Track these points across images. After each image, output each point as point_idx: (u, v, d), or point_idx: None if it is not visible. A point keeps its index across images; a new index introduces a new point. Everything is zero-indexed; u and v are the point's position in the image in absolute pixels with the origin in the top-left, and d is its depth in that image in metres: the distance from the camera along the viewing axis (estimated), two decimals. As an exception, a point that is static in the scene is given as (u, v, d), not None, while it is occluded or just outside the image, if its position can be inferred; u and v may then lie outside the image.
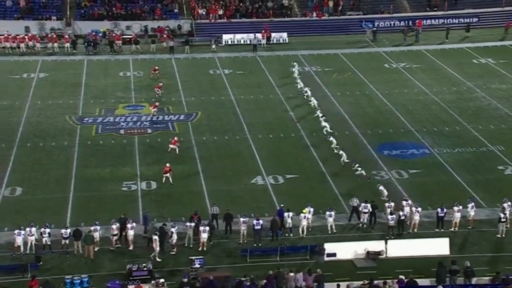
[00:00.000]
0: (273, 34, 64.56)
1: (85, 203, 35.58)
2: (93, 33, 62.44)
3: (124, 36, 62.82)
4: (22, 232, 31.00)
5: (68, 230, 31.38)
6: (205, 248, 31.49)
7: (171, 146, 41.18)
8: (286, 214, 33.13)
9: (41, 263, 30.13)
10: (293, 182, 37.99)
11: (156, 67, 54.61)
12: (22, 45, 60.21)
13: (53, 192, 36.48)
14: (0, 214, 34.21)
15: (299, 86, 51.46)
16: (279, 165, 39.73)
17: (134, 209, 34.71)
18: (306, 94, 49.81)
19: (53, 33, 62.43)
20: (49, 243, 31.14)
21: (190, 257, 30.04)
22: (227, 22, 67.40)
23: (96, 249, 31.21)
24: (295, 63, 55.42)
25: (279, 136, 43.89)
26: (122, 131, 44.26)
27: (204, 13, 68.00)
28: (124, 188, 37.03)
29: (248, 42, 63.31)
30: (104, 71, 56.05)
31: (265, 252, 31.59)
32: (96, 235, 31.41)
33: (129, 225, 31.67)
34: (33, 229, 31.18)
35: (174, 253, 31.32)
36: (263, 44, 63.51)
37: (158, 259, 30.70)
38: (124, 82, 53.13)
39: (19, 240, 30.84)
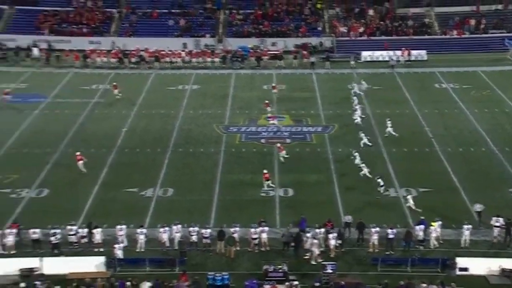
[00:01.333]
0: (412, 52, 63.26)
1: (227, 206, 36.53)
2: (240, 49, 64.33)
3: (270, 52, 63.99)
4: (167, 229, 32.37)
5: (209, 231, 32.38)
6: (332, 255, 31.36)
7: (280, 153, 41.33)
8: (417, 227, 32.33)
9: (186, 258, 31.25)
10: (426, 195, 36.97)
11: (273, 85, 54.92)
12: (179, 59, 63.03)
13: (200, 195, 37.69)
14: (154, 212, 35.88)
15: (354, 103, 49.77)
16: (413, 178, 38.79)
17: (270, 213, 35.21)
18: (355, 107, 48.47)
19: (206, 49, 65.13)
20: (195, 241, 32.27)
21: (323, 262, 30.01)
22: (367, 40, 66.87)
23: (236, 249, 31.97)
24: (354, 83, 54.43)
25: (413, 151, 42.86)
26: (263, 140, 45.05)
27: (345, 30, 67.93)
28: (263, 194, 37.62)
29: (387, 59, 62.41)
30: (249, 84, 57.33)
31: (396, 262, 30.91)
32: (236, 236, 32.18)
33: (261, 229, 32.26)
34: (179, 226, 32.44)
35: (308, 257, 31.42)
36: (402, 61, 62.36)
37: (314, 262, 30.89)
38: (267, 95, 54.04)
39: (165, 237, 32.24)
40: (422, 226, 32.15)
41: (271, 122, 47.25)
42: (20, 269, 29.63)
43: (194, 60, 63.27)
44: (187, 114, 50.05)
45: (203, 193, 37.80)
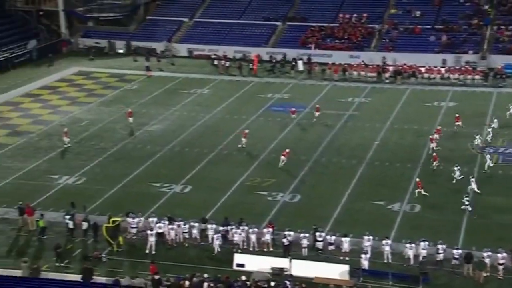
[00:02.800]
0: None
1: (476, 228, 34.70)
2: (504, 67, 60.71)
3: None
4: (413, 245, 31.70)
5: (460, 251, 31.00)
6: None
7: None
8: None
9: (428, 277, 30.28)
10: None
11: None
12: (438, 76, 61.46)
13: (447, 214, 36.31)
14: (399, 227, 35.36)
15: None
16: None
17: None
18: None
19: (468, 66, 62.58)
20: (442, 259, 31.16)
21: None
22: None
23: (486, 275, 30.20)
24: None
25: None
26: (524, 164, 42.09)
27: None
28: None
29: None
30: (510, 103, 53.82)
31: None
32: (487, 261, 30.40)
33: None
34: (425, 244, 31.56)
35: None
36: None
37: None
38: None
39: (410, 253, 31.61)
40: None
41: None
42: (272, 268, 31.18)
43: (452, 76, 61.23)
44: (442, 130, 48.56)
45: (451, 214, 36.35)
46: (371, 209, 37.22)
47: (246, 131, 46.58)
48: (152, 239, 33.15)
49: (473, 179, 38.71)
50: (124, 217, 34.60)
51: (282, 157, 42.84)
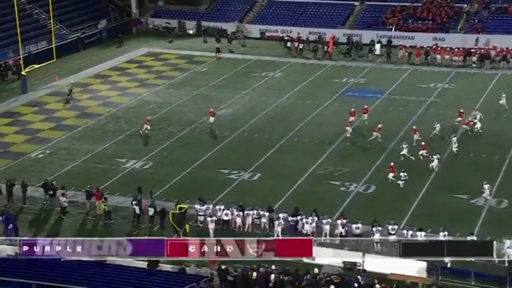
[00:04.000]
0: None
1: None
2: None
3: None
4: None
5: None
6: None
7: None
8: None
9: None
10: None
11: None
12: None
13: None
14: (483, 222, 34.52)
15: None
16: None
17: None
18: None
19: None
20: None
21: None
22: None
23: None
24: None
25: None
26: None
27: None
28: None
29: None
30: None
31: None
32: None
33: None
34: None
35: None
36: None
37: None
38: None
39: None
40: None
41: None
42: (344, 262, 30.98)
43: None
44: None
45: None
46: (453, 203, 36.38)
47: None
48: (212, 226, 33.52)
49: None
50: (193, 204, 35.04)
51: (375, 133, 43.27)
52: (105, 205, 35.67)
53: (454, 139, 42.87)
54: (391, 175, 38.73)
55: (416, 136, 43.45)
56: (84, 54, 67.33)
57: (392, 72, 60.07)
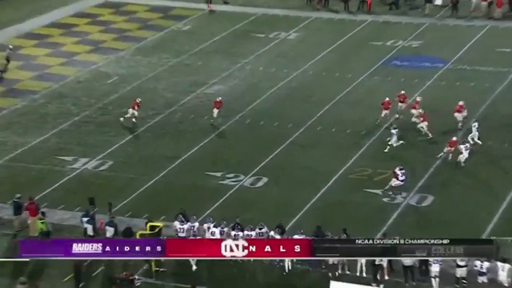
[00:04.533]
0: None
1: None
2: None
3: None
4: None
5: None
6: None
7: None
8: None
9: None
10: None
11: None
12: None
13: None
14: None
15: None
16: None
17: None
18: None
19: None
20: None
21: None
22: None
23: None
24: None
25: None
26: None
27: None
28: None
29: None
30: None
31: None
32: None
33: None
34: None
35: None
36: None
37: None
38: None
39: None
40: None
41: None
42: None
43: None
44: None
45: None
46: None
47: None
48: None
49: None
50: (171, 221, 35.41)
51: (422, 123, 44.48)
52: (42, 223, 35.60)
53: None
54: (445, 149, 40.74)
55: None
56: (9, 2, 67.52)
57: (460, 30, 60.61)
